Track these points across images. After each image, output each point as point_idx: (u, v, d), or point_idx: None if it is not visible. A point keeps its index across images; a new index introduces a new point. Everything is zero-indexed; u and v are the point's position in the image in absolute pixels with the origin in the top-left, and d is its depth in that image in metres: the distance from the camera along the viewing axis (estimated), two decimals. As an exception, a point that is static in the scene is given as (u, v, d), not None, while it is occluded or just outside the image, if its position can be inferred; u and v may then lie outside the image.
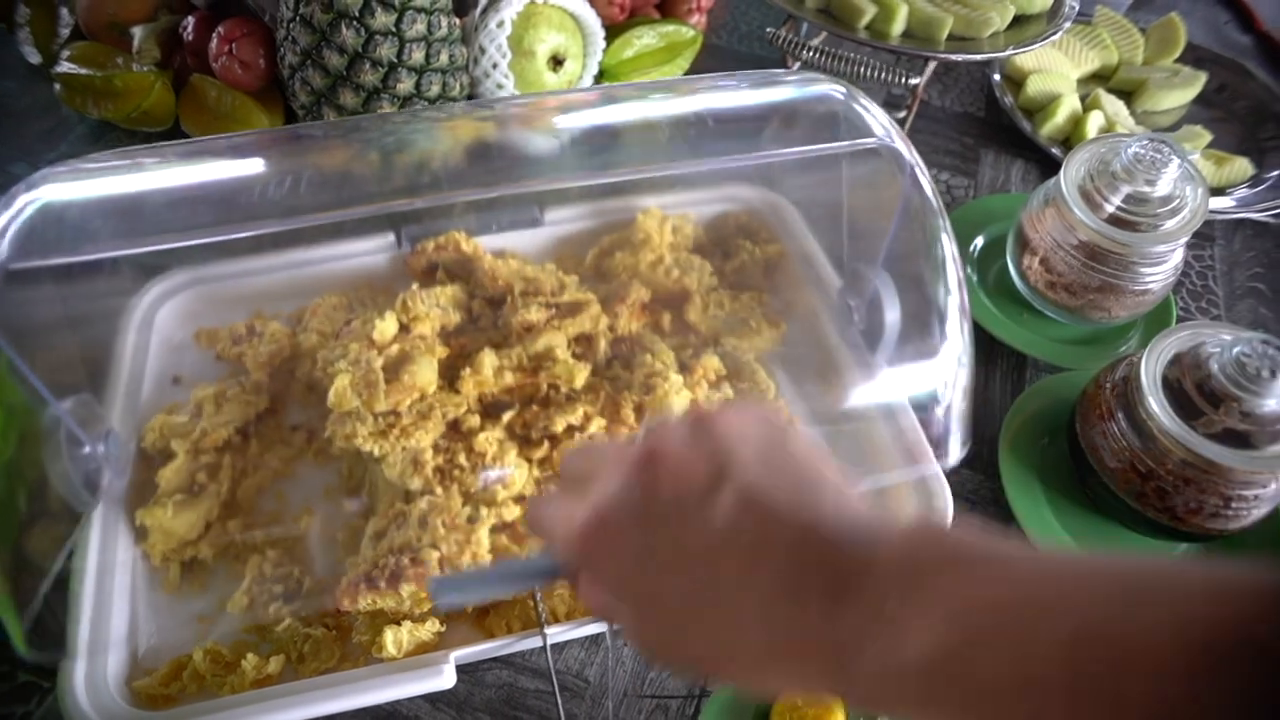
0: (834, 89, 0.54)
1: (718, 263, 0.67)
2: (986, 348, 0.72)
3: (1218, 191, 0.84)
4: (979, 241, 0.78)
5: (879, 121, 0.52)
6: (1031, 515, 0.60)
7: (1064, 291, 0.70)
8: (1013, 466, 0.62)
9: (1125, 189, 0.65)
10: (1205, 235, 0.83)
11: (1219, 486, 0.53)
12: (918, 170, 0.50)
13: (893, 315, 0.57)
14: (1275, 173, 0.85)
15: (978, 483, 0.64)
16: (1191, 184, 0.65)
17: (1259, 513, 0.55)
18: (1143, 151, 0.64)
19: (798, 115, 0.55)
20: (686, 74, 0.87)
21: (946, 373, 0.51)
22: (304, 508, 0.56)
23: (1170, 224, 0.65)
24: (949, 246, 0.50)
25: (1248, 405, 0.51)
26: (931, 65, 0.74)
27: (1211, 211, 0.81)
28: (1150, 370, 0.56)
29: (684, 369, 0.58)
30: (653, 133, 0.58)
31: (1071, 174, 0.67)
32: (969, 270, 0.76)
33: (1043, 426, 0.65)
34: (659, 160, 0.57)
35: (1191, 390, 0.54)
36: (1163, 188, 0.64)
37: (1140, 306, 0.70)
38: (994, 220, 0.78)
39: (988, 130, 0.91)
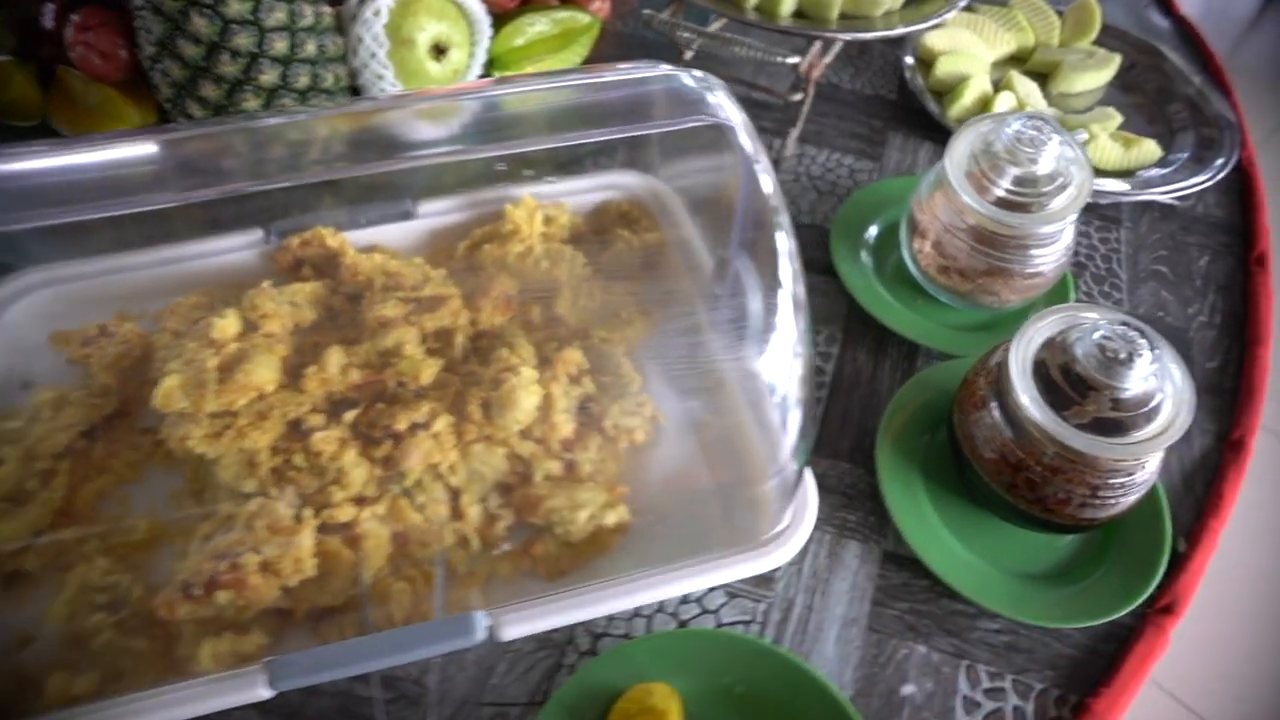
0: (686, 75, 0.53)
1: (595, 252, 0.65)
2: (877, 336, 0.70)
3: (1127, 174, 0.83)
4: (874, 228, 0.76)
5: (726, 106, 0.50)
6: (906, 509, 0.59)
7: (957, 276, 0.68)
8: (892, 458, 0.61)
9: (1011, 170, 0.63)
10: (1112, 218, 0.81)
11: (1085, 476, 0.52)
12: (754, 157, 0.48)
13: (754, 303, 0.55)
14: (1183, 155, 0.83)
15: (857, 476, 0.62)
16: (1077, 163, 0.64)
17: (1130, 500, 0.53)
18: (1023, 129, 0.62)
19: (648, 104, 0.53)
20: (585, 61, 0.85)
21: (782, 364, 0.49)
22: (145, 513, 0.54)
23: (1056, 203, 0.63)
24: (783, 237, 0.48)
25: (1115, 392, 0.50)
26: (817, 45, 0.72)
27: (1117, 193, 0.80)
28: (1020, 356, 0.54)
29: (545, 363, 0.56)
30: (512, 121, 0.56)
31: (956, 155, 0.65)
32: (865, 256, 0.74)
33: (929, 417, 0.63)
34: (514, 143, 0.55)
35: (1059, 377, 0.52)
36: (1045, 165, 0.62)
37: (1032, 290, 0.68)
38: (894, 204, 0.76)
39: (898, 113, 0.89)
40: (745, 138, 0.49)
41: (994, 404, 0.55)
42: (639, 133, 0.49)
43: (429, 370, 0.54)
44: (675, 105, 0.51)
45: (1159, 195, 0.79)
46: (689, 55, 0.82)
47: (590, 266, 0.64)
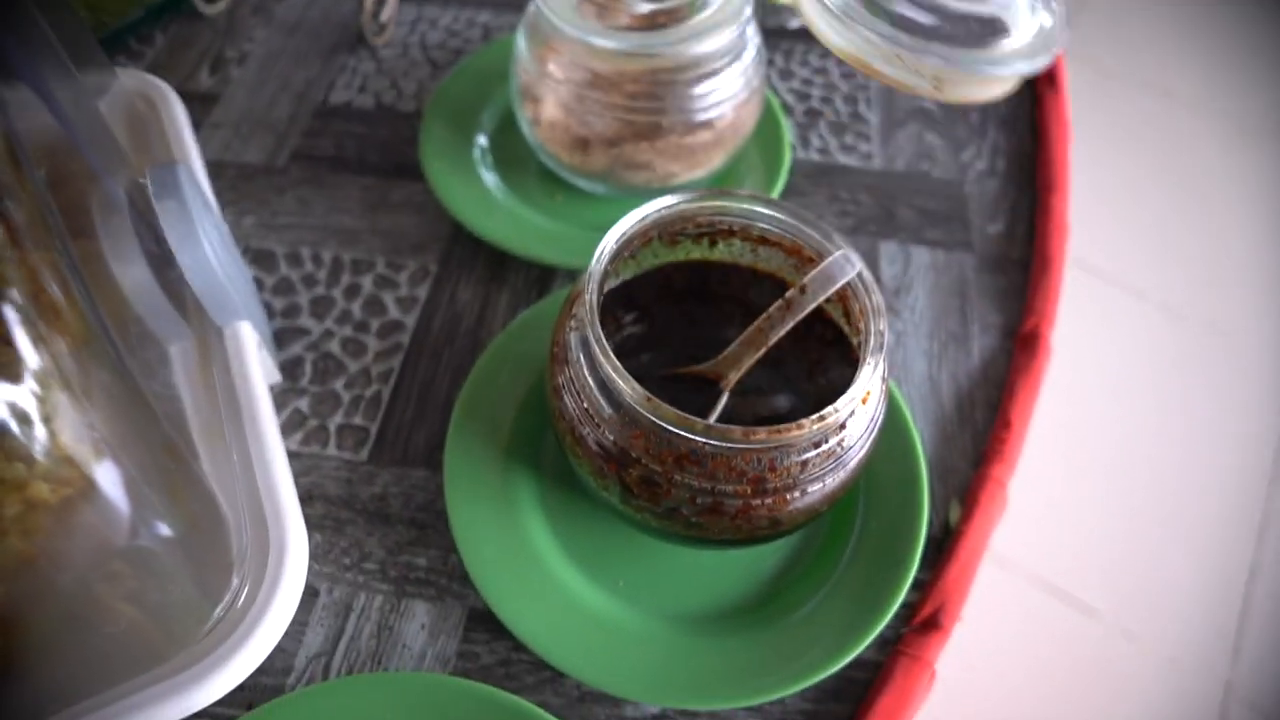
0: None
1: None
2: (495, 262, 0.46)
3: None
4: (492, 109, 0.51)
5: None
6: (484, 540, 0.35)
7: (598, 149, 0.44)
8: (468, 460, 0.37)
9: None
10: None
11: (734, 464, 0.29)
12: None
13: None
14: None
15: (435, 491, 0.38)
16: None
17: (836, 480, 0.31)
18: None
19: None
20: None
21: None
22: None
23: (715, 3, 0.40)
24: None
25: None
26: None
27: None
28: (597, 278, 0.31)
29: None
30: None
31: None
32: (480, 150, 0.49)
33: (533, 378, 0.40)
34: None
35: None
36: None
37: (704, 153, 0.44)
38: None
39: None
40: None
41: (581, 358, 0.31)
42: None
43: None
44: None
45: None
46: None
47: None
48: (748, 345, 0.32)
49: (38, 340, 0.30)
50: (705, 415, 0.31)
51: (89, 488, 0.29)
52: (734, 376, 0.33)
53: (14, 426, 0.28)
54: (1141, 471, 1.18)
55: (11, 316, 0.30)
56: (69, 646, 0.29)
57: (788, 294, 0.31)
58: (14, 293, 0.30)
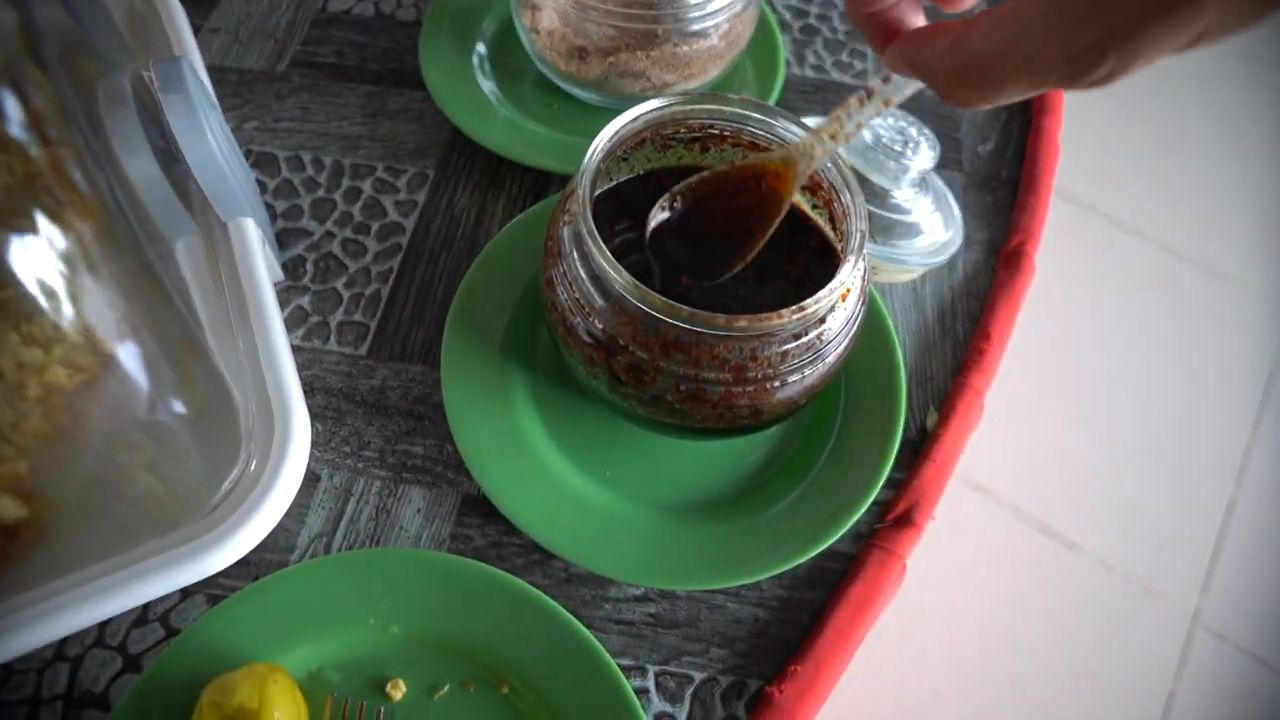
0: None
1: None
2: (490, 168, 0.47)
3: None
4: (492, 17, 0.51)
5: None
6: (480, 426, 0.37)
7: (595, 58, 0.44)
8: (467, 354, 0.39)
9: None
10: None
11: (717, 351, 0.30)
12: None
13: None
14: None
15: (431, 385, 0.40)
16: None
17: (815, 373, 0.32)
18: None
19: None
20: None
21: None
22: None
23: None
24: None
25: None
26: None
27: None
28: (591, 174, 0.32)
29: None
30: None
31: None
32: (479, 57, 0.50)
33: (527, 279, 0.41)
34: None
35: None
36: None
37: (700, 63, 0.45)
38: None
39: None
40: None
41: (574, 251, 0.32)
42: None
43: None
44: None
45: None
46: None
47: None
48: (824, 131, 0.30)
49: (63, 223, 0.31)
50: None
51: (112, 362, 0.30)
52: (804, 171, 0.31)
53: (44, 303, 0.30)
54: (1127, 406, 1.20)
55: (38, 200, 0.31)
56: (94, 509, 0.31)
57: (868, 85, 0.28)
58: (40, 177, 0.32)
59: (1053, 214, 0.49)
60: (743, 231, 0.33)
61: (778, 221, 0.33)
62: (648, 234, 0.34)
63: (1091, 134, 1.38)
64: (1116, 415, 1.19)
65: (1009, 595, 1.06)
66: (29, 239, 0.30)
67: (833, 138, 0.30)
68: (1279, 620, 1.07)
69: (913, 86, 0.27)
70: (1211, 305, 1.27)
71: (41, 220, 0.31)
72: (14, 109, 0.31)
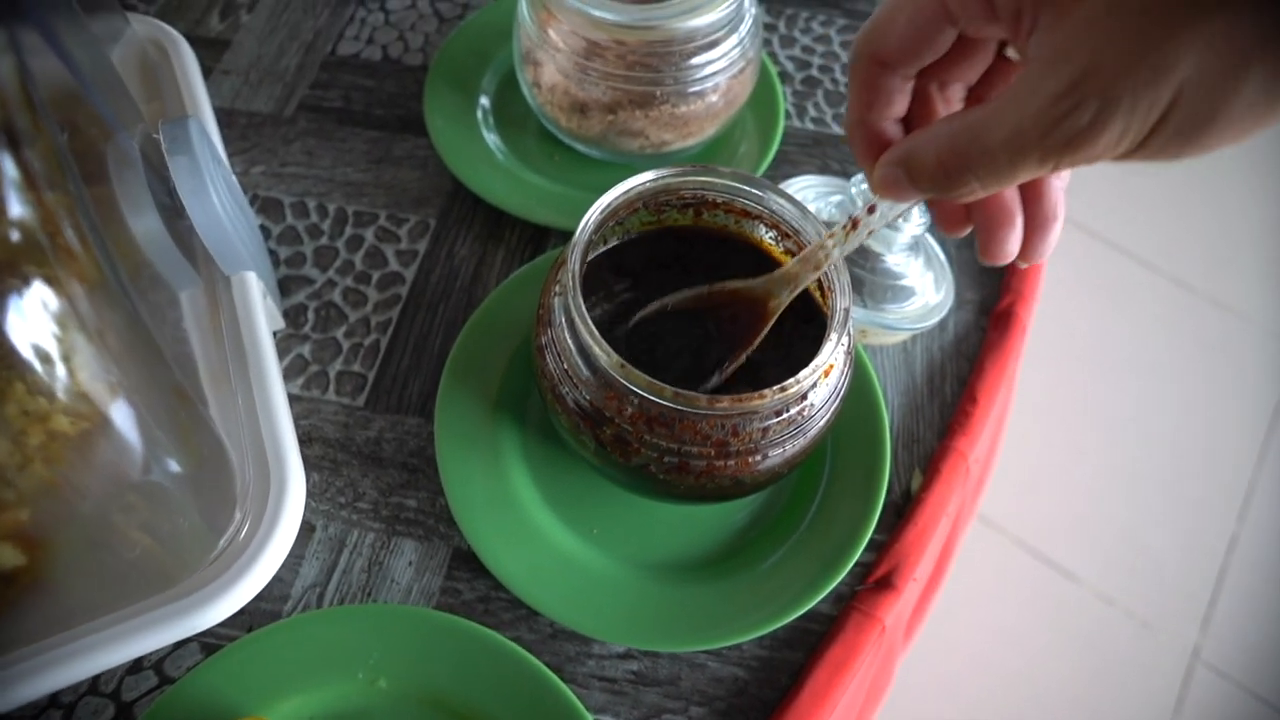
0: None
1: None
2: (492, 220, 0.48)
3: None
4: (495, 68, 0.52)
5: None
6: (470, 484, 0.38)
7: (596, 114, 0.45)
8: (461, 410, 0.39)
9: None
10: (856, 10, 0.58)
11: (699, 427, 0.31)
12: None
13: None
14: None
15: (426, 439, 0.41)
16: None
17: (801, 442, 0.33)
18: None
19: None
20: None
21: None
22: None
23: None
24: None
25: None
26: None
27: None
28: (581, 248, 0.33)
29: None
30: None
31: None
32: (483, 110, 0.51)
33: (523, 334, 0.42)
34: None
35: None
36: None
37: (698, 122, 0.46)
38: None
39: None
40: None
41: (563, 322, 0.33)
42: None
43: None
44: None
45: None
46: None
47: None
48: (806, 264, 0.32)
49: (55, 283, 0.32)
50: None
51: (105, 424, 0.31)
52: (786, 298, 0.33)
53: (37, 365, 0.31)
54: (1133, 440, 1.20)
55: (30, 259, 0.32)
56: (90, 567, 0.32)
57: (853, 215, 0.30)
58: (33, 236, 0.33)
59: (1060, 243, 0.50)
60: (727, 343, 0.34)
61: (758, 340, 0.34)
62: (627, 338, 0.36)
63: (1115, 174, 1.38)
64: (1120, 448, 1.19)
65: (1008, 628, 1.06)
66: (22, 299, 0.31)
67: (816, 268, 0.32)
68: (1279, 657, 1.07)
69: (897, 209, 0.28)
70: (1218, 339, 1.27)
71: (35, 281, 0.32)
72: (9, 165, 0.32)
